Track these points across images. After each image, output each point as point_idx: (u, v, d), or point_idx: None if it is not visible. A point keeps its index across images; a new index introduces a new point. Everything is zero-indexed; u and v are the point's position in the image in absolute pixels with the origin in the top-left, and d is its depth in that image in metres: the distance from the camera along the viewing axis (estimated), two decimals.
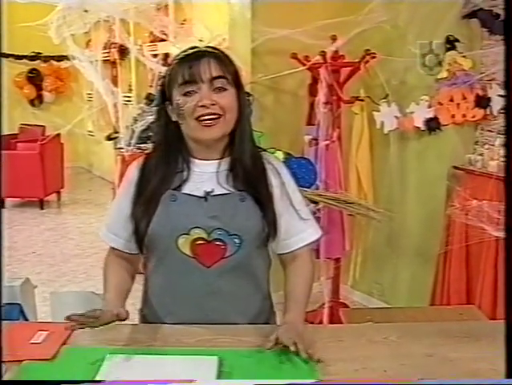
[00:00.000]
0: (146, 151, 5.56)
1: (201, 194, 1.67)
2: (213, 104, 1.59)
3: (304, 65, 3.79)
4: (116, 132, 5.43)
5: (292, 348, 1.44)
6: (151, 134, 5.40)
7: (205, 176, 1.70)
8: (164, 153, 1.71)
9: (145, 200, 1.67)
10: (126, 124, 5.16)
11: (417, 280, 4.00)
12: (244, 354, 1.52)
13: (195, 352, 1.51)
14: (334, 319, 3.71)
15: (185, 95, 1.61)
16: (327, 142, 3.75)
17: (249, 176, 1.69)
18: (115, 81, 7.20)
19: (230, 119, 1.64)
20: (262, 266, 1.77)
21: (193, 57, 1.62)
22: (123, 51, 7.32)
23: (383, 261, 4.25)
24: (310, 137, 3.80)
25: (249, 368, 1.46)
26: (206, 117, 1.60)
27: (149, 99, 5.82)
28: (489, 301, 3.37)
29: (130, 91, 7.55)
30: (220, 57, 1.64)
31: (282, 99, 4.12)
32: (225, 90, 1.62)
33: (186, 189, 1.68)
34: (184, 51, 1.66)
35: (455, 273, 3.60)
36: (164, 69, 5.48)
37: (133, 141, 5.09)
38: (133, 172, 1.75)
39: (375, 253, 4.21)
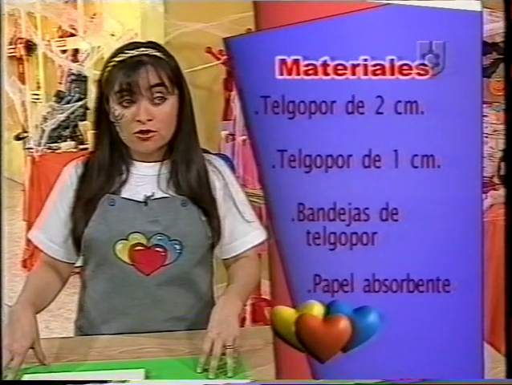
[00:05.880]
0: (58, 151, 5.36)
1: (140, 198, 1.60)
2: (150, 120, 1.52)
3: (219, 59, 3.74)
4: (25, 132, 5.26)
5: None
6: (62, 133, 5.26)
7: (146, 178, 1.62)
8: (104, 154, 1.62)
9: (83, 204, 1.59)
10: (35, 123, 5.01)
11: None
12: (172, 364, 1.44)
13: (119, 366, 1.41)
14: (256, 317, 3.68)
15: (122, 104, 1.53)
16: (244, 137, 3.72)
17: (190, 180, 1.62)
18: (22, 78, 6.97)
19: (166, 134, 1.58)
20: (204, 275, 1.68)
21: (131, 65, 1.52)
22: (30, 47, 7.05)
23: None
24: (227, 132, 3.78)
25: (178, 379, 1.38)
26: (141, 134, 1.54)
27: (59, 96, 5.67)
28: None
29: (38, 88, 7.28)
30: (159, 62, 1.55)
31: (197, 95, 3.96)
32: (164, 100, 1.54)
33: (125, 193, 1.60)
34: (121, 50, 1.56)
35: None
36: (73, 65, 5.39)
37: (43, 141, 4.96)
38: (70, 173, 1.65)
39: None
